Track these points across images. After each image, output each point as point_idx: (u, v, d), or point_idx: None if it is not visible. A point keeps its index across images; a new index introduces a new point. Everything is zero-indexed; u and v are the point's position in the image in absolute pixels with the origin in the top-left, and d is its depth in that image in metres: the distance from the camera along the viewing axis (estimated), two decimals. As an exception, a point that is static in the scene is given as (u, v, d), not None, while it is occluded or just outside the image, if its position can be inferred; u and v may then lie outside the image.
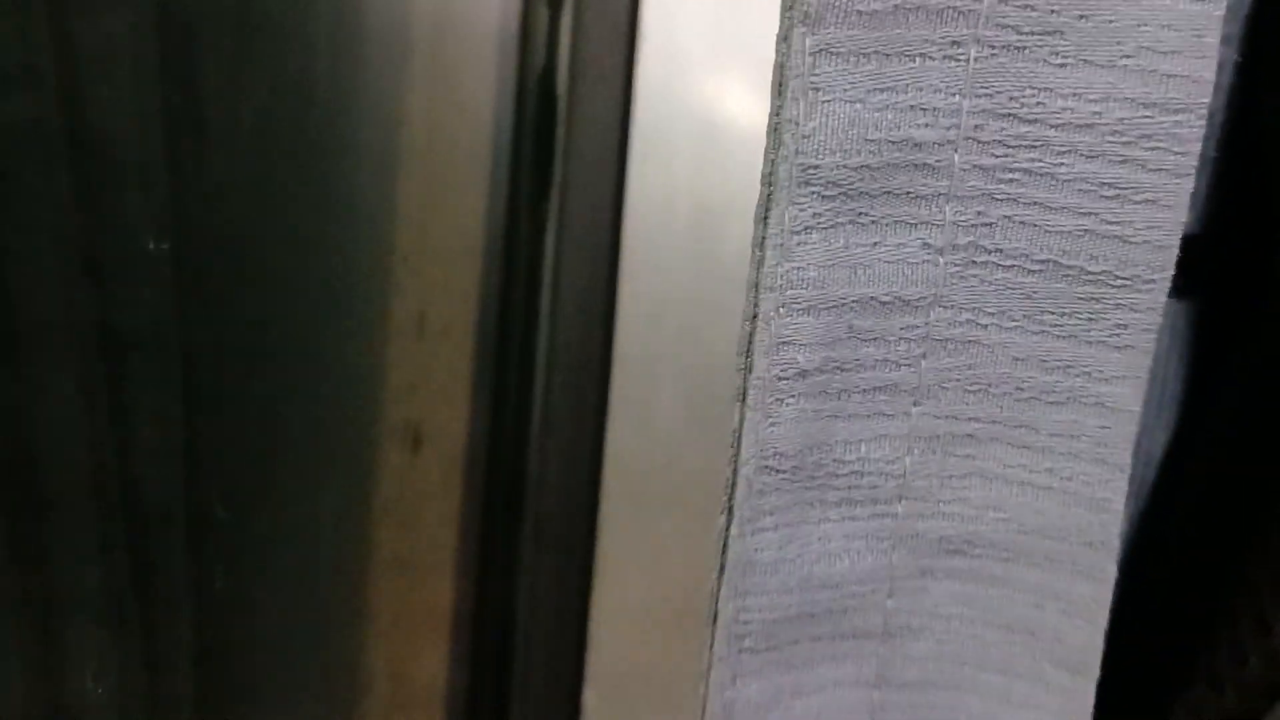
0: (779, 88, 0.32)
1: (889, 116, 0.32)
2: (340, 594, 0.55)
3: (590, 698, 0.59)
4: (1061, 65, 0.33)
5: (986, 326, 0.35)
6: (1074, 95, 0.33)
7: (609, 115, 0.55)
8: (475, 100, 0.54)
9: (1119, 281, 0.35)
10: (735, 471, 0.34)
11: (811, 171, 0.32)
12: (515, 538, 0.57)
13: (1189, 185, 0.35)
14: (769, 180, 0.33)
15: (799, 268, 0.33)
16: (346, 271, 0.52)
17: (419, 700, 0.59)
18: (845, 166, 0.33)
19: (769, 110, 0.35)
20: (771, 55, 0.33)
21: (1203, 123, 0.34)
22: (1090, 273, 0.35)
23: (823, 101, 0.31)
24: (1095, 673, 0.39)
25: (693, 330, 0.57)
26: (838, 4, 0.31)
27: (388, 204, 0.53)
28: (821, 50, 0.31)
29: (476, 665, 0.59)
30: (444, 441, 0.56)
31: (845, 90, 0.31)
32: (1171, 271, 0.35)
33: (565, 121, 0.55)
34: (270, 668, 0.54)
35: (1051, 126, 0.34)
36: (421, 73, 0.53)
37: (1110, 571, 0.38)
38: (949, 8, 0.32)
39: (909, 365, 0.35)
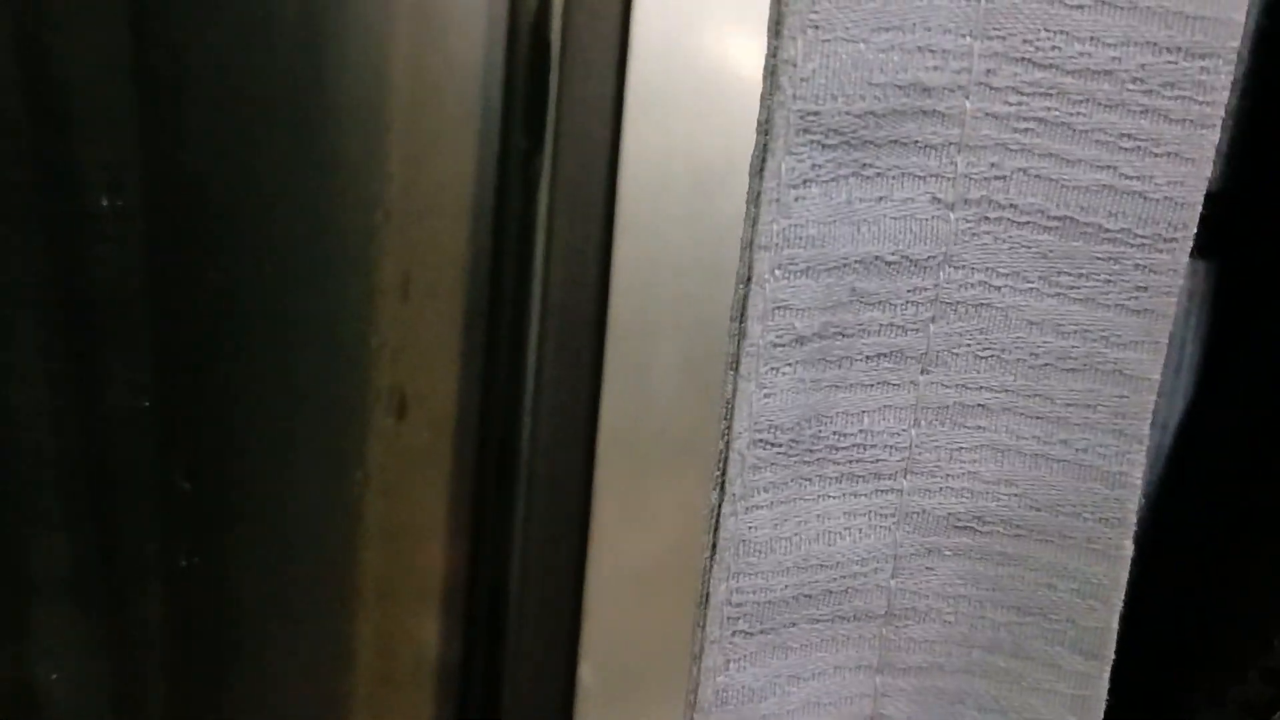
0: (775, 26, 0.29)
1: (895, 58, 0.30)
2: (324, 565, 0.54)
3: (585, 671, 0.57)
4: (1079, 6, 0.31)
5: (999, 288, 0.33)
6: (1091, 39, 0.31)
7: (604, 63, 0.52)
8: (463, 47, 0.52)
9: (1138, 240, 0.33)
10: (728, 445, 0.31)
11: (811, 118, 0.30)
12: (507, 506, 0.55)
13: (1214, 137, 0.32)
14: (765, 129, 0.31)
15: (797, 225, 0.30)
16: (326, 230, 0.50)
17: (408, 673, 0.57)
18: (847, 113, 0.30)
19: (765, 52, 0.32)
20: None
21: (1230, 69, 0.32)
22: (1109, 230, 0.33)
23: (823, 40, 0.29)
24: (1110, 656, 0.37)
25: (691, 293, 0.55)
26: (839, -64, 0.29)
27: (370, 158, 0.51)
28: (822, -15, 0.29)
29: (468, 638, 0.57)
30: (431, 407, 0.54)
31: (847, 29, 0.29)
32: (1194, 230, 0.33)
33: (558, 70, 0.52)
34: (252, 643, 0.53)
35: (1068, 72, 0.31)
36: (406, 17, 0.50)
37: (1126, 549, 0.36)
38: (960, -59, 0.30)
39: (916, 330, 0.33)
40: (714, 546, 0.32)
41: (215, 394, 0.48)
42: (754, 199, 0.31)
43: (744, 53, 0.53)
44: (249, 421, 0.50)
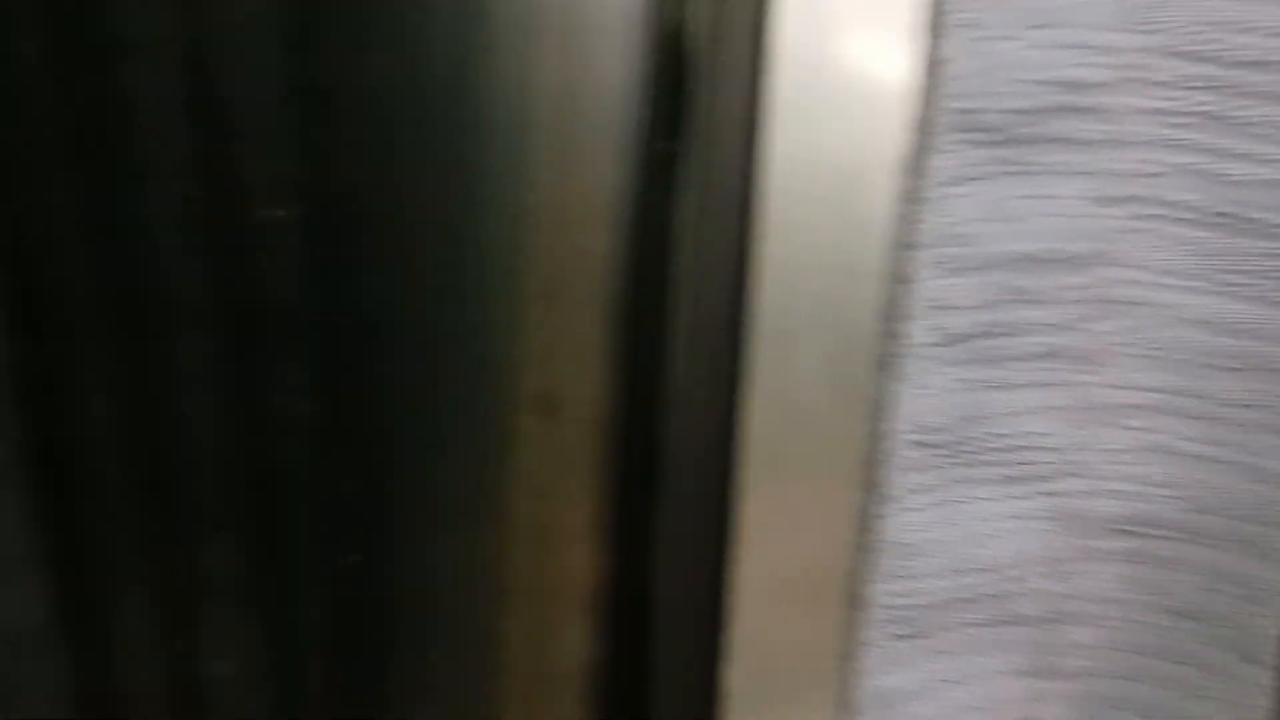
0: (932, 25, 0.29)
1: (1048, 55, 0.30)
2: (474, 564, 0.54)
3: (730, 674, 0.57)
4: (1238, -3, 0.30)
5: (1157, 286, 0.32)
6: (1251, 30, 0.30)
7: (745, 69, 0.52)
8: (606, 55, 0.52)
9: (1304, 236, 0.32)
10: (881, 446, 0.31)
11: (966, 116, 0.30)
12: (651, 508, 0.55)
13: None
14: (919, 127, 0.30)
15: (952, 223, 0.30)
16: (475, 237, 0.51)
17: (555, 672, 0.58)
18: (1002, 110, 0.30)
19: (920, 51, 0.32)
20: (917, 2, 0.31)
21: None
22: (1274, 226, 0.32)
23: (978, 38, 0.29)
24: (1273, 661, 0.36)
25: (834, 294, 0.54)
26: (994, -66, 0.29)
27: (519, 166, 0.51)
28: (977, -16, 0.29)
29: (613, 638, 0.57)
30: (578, 409, 0.54)
31: (1002, 26, 0.29)
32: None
33: (699, 77, 0.53)
34: (405, 640, 0.54)
35: (1227, 65, 0.31)
36: (551, 28, 0.51)
37: (1294, 552, 0.35)
38: (1117, -66, 0.29)
39: (1072, 329, 0.32)
40: (867, 549, 0.32)
41: (374, 397, 0.50)
42: (908, 198, 0.31)
43: (884, 54, 0.53)
44: (405, 424, 0.51)
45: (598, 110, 0.53)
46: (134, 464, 0.46)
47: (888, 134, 0.54)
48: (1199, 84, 0.31)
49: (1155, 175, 0.32)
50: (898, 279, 0.31)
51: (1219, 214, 0.32)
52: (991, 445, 0.32)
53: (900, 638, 0.33)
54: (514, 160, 0.51)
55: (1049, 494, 0.33)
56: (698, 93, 0.53)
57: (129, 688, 0.49)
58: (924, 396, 0.30)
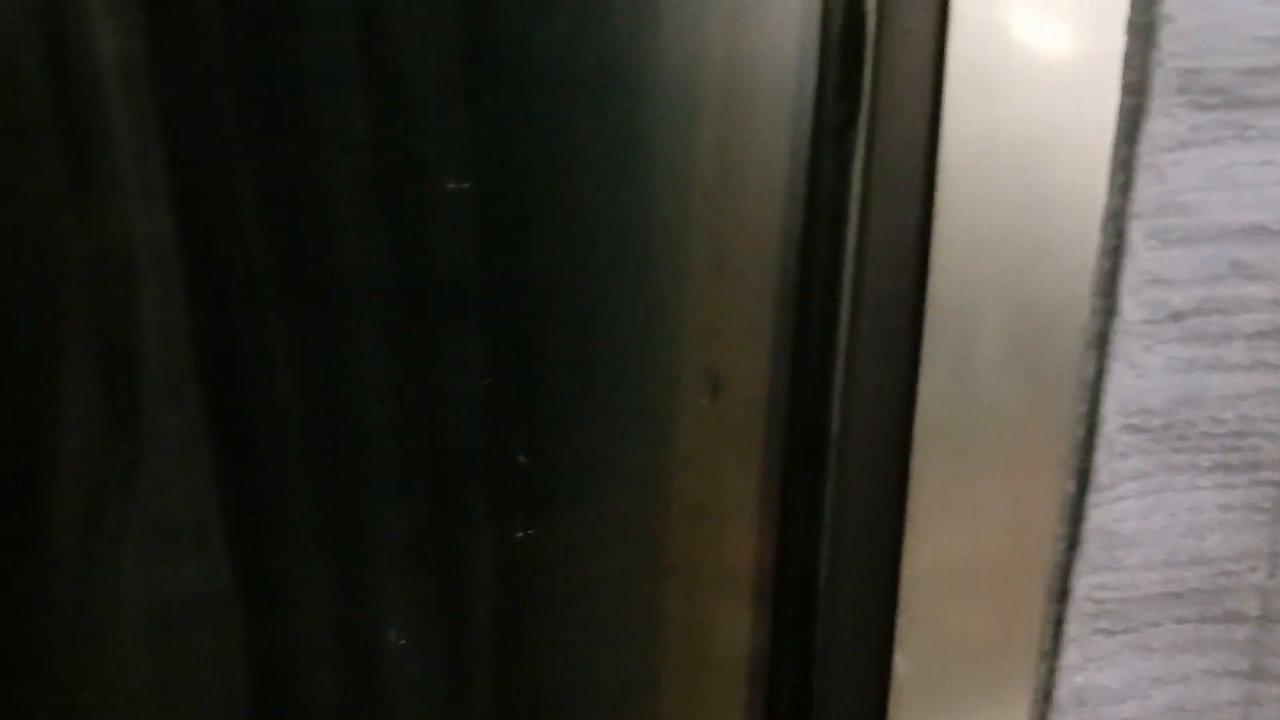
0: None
1: (1284, 9, 0.27)
2: (641, 543, 0.54)
3: (901, 664, 0.56)
4: None
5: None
6: None
7: (924, 34, 0.50)
8: (777, 22, 0.51)
9: None
10: (1091, 430, 0.29)
11: (1191, 76, 0.27)
12: (819, 491, 0.54)
13: None
14: (1137, 89, 0.28)
15: (1173, 191, 0.28)
16: (644, 209, 0.50)
17: (718, 655, 0.57)
18: (1230, 70, 0.28)
19: (1130, 8, 0.30)
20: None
21: None
22: None
23: (1208, -7, 0.27)
24: None
25: (1016, 271, 0.52)
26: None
27: (685, 137, 0.50)
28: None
29: (778, 623, 0.56)
30: (744, 388, 0.53)
31: (1236, -22, 0.27)
32: None
33: (874, 42, 0.51)
34: (568, 617, 0.53)
35: None
36: (722, -4, 0.49)
37: None
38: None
39: (1300, 306, 0.30)
40: (1074, 539, 0.30)
41: (546, 372, 0.49)
42: (1122, 165, 0.29)
43: (1070, 21, 0.50)
44: (576, 399, 0.50)
45: (769, 79, 0.52)
46: (310, 435, 0.46)
47: (1080, 99, 0.51)
48: None
49: (1393, 139, 0.29)
50: (1106, 252, 0.29)
51: None
52: (1209, 430, 0.30)
53: (1105, 633, 0.31)
54: (683, 131, 0.50)
55: (1269, 483, 0.31)
56: (873, 59, 0.51)
57: (302, 655, 0.50)
58: (1137, 377, 0.28)
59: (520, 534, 0.49)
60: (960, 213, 0.51)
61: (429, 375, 0.47)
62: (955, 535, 0.54)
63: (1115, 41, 0.33)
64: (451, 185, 0.44)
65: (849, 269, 0.52)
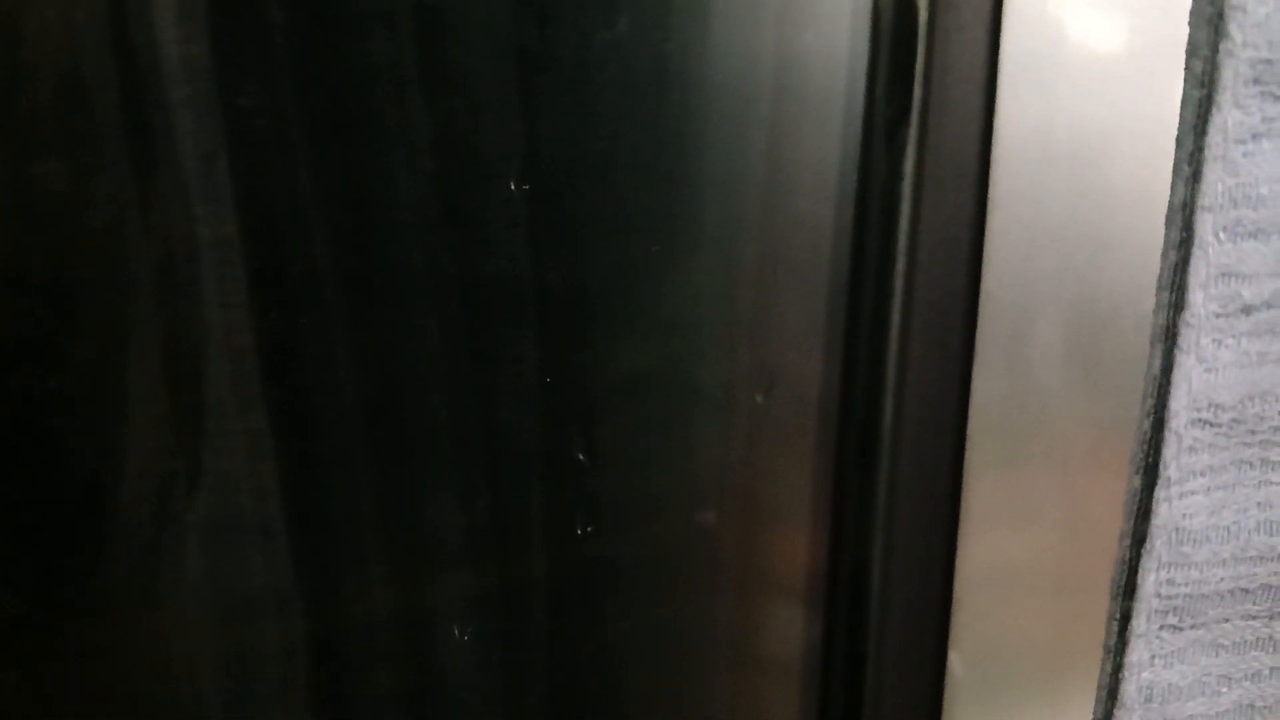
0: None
1: (1361, -4, 0.27)
2: (691, 541, 0.54)
3: (956, 662, 0.55)
4: None
5: None
6: None
7: (977, 27, 0.50)
8: (828, 16, 0.50)
9: None
10: (1159, 425, 0.29)
11: (1262, 67, 0.27)
12: (872, 489, 0.54)
13: None
14: (1205, 80, 0.28)
15: (1245, 184, 0.28)
16: (696, 208, 0.50)
17: (771, 654, 0.57)
18: (1302, 61, 0.27)
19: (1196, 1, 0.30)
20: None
21: None
22: None
23: (1284, -19, 0.26)
24: None
25: (1072, 266, 0.52)
26: None
27: (737, 135, 0.50)
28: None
29: (831, 621, 0.56)
30: (797, 386, 0.53)
31: (1311, -34, 0.26)
32: None
33: (926, 36, 0.50)
34: (623, 616, 0.53)
35: None
36: (773, -10, 0.49)
37: None
38: None
39: (1373, 299, 0.29)
40: (1142, 535, 0.29)
41: (600, 371, 0.49)
42: (1190, 157, 0.28)
43: (1125, 12, 0.50)
44: (630, 398, 0.50)
45: (820, 75, 0.51)
46: (374, 433, 0.46)
47: (1138, 92, 0.51)
48: None
49: None
50: (1173, 245, 0.28)
51: None
52: (1280, 425, 0.29)
53: (1173, 629, 0.30)
54: (734, 129, 0.50)
55: (1342, 479, 0.30)
56: (925, 54, 0.51)
57: (362, 652, 0.50)
58: (1206, 371, 0.28)
59: (577, 533, 0.49)
60: (1014, 208, 0.51)
61: (488, 374, 0.47)
62: (1010, 533, 0.54)
63: (1173, 32, 0.32)
64: (511, 186, 0.44)
65: (902, 265, 0.52)
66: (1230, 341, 0.28)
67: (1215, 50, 0.28)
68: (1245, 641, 0.31)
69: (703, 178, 0.50)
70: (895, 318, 0.52)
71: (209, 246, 0.41)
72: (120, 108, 0.40)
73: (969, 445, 0.53)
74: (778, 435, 0.54)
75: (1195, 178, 0.28)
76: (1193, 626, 0.30)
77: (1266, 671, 0.32)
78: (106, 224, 0.41)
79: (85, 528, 0.43)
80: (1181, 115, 0.29)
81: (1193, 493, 0.29)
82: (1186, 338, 0.28)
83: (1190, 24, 0.29)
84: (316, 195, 0.43)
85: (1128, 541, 0.30)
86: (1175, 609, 0.30)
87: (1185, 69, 0.29)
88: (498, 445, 0.48)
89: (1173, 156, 0.34)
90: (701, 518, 0.53)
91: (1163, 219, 0.32)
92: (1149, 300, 0.39)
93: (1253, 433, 0.29)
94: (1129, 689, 0.30)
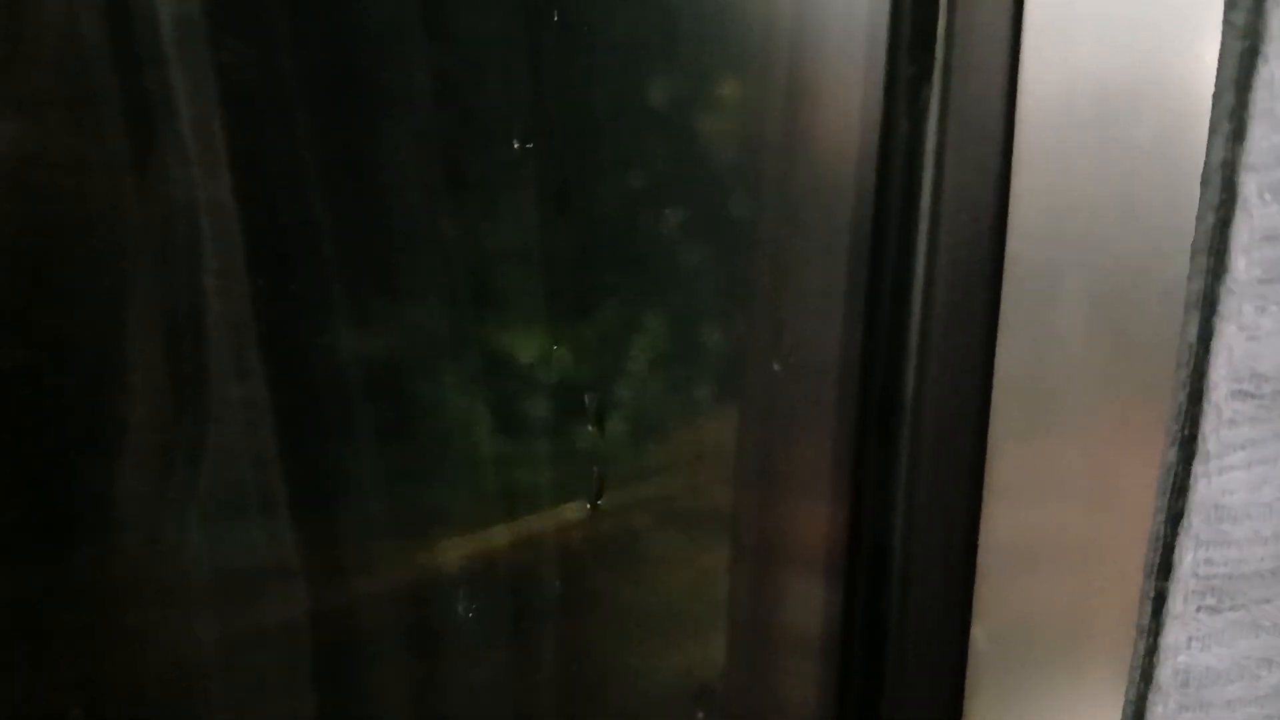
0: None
1: None
2: (711, 512, 0.52)
3: (979, 636, 0.54)
4: None
5: None
6: None
7: (1002, -17, 0.48)
8: (849, -28, 0.49)
9: None
10: (1197, 396, 0.27)
11: (1309, 19, 0.25)
12: (893, 460, 0.52)
13: None
14: (1250, 31, 0.26)
15: (1290, 141, 0.26)
16: (714, 169, 0.49)
17: (791, 627, 0.56)
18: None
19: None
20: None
21: None
22: None
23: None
24: None
25: (1099, 230, 0.50)
26: None
27: (754, 93, 0.49)
28: None
29: (852, 594, 0.55)
30: (816, 352, 0.52)
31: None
32: None
33: (950, -6, 0.49)
34: (640, 587, 0.52)
35: None
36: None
37: None
38: None
39: None
40: (1177, 511, 0.28)
41: (615, 339, 0.48)
42: (1231, 113, 0.27)
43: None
44: (646, 366, 0.49)
45: (840, 32, 0.50)
46: (373, 404, 0.45)
47: (1168, 48, 0.49)
48: None
49: None
50: (1212, 207, 0.27)
51: None
52: (1325, 396, 0.28)
53: (1211, 610, 0.29)
54: (751, 88, 0.49)
55: (1389, 452, 0.29)
56: (947, 9, 0.49)
57: (366, 626, 0.49)
58: (1248, 340, 0.26)
59: (592, 504, 0.48)
60: (1039, 170, 0.49)
61: (496, 342, 0.46)
62: (1035, 505, 0.53)
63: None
64: (516, 145, 0.43)
65: (924, 229, 0.50)
66: (1274, 309, 0.27)
67: (1255, 5, 0.26)
68: (1286, 622, 0.30)
69: (720, 139, 0.48)
70: (917, 283, 0.51)
71: (206, 212, 0.40)
72: (114, 69, 0.39)
73: (992, 414, 0.52)
74: (796, 403, 0.52)
75: (1237, 135, 0.26)
76: (1232, 608, 0.29)
77: (1308, 653, 0.30)
78: (101, 188, 0.39)
79: (85, 499, 0.43)
80: (1220, 69, 0.28)
81: (1233, 468, 0.28)
82: (1227, 304, 0.26)
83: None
84: (320, 156, 0.42)
85: (1162, 518, 0.29)
86: (1214, 589, 0.29)
87: (1225, 21, 0.28)
88: (507, 416, 0.47)
89: (1206, 115, 0.33)
90: (719, 488, 0.52)
91: (1194, 180, 0.30)
92: (1178, 265, 0.38)
93: (1296, 405, 0.28)
94: (1164, 672, 0.29)
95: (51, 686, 0.44)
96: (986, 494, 0.52)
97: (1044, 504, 0.53)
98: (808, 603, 0.55)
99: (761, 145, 0.49)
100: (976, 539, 0.53)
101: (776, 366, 0.51)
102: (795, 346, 0.51)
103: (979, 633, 0.54)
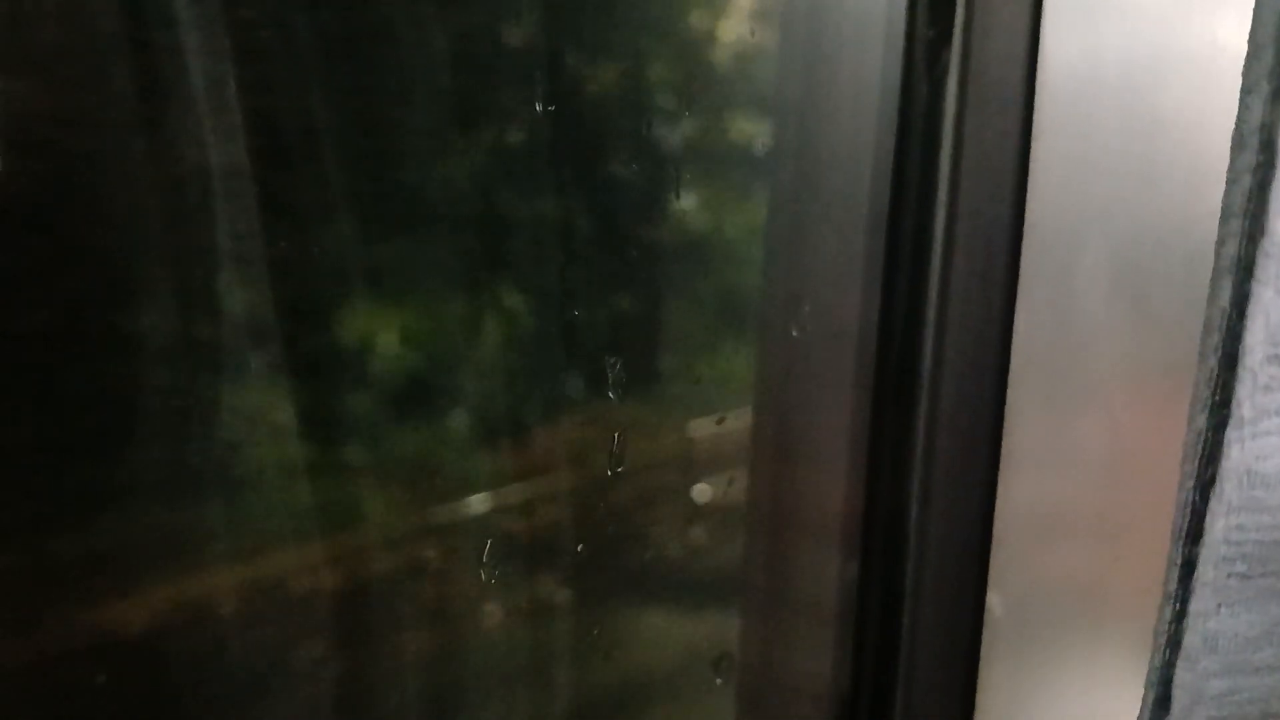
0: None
1: None
2: (727, 478, 0.52)
3: (994, 602, 0.54)
4: None
5: None
6: None
7: (1024, -53, 0.48)
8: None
9: None
10: (1230, 361, 0.27)
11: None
12: (911, 426, 0.52)
13: None
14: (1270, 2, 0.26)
15: (1330, 104, 0.26)
16: (731, 134, 0.48)
17: (807, 593, 0.56)
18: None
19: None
20: None
21: None
22: None
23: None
24: None
25: (1120, 197, 0.50)
26: None
27: (771, 58, 0.48)
28: None
29: (868, 560, 0.55)
30: (834, 318, 0.51)
31: None
32: None
33: (971, -43, 0.48)
34: (654, 549, 0.52)
35: None
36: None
37: None
38: None
39: None
40: (1207, 477, 0.28)
41: (631, 305, 0.47)
42: (1271, 72, 0.26)
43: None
44: (663, 333, 0.49)
45: (859, -4, 0.49)
46: (387, 371, 0.45)
47: (1190, 15, 0.48)
48: None
49: None
50: (1248, 169, 0.27)
51: None
52: (1360, 362, 0.28)
53: (1241, 577, 0.29)
54: (770, 51, 0.48)
55: None
56: (969, -25, 0.49)
57: (386, 596, 0.49)
58: (1284, 305, 0.26)
59: (609, 471, 0.48)
60: (1060, 135, 0.49)
61: (513, 305, 0.45)
62: (1051, 473, 0.53)
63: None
64: (538, 107, 0.42)
65: (943, 195, 0.50)
66: (1310, 273, 0.27)
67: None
68: (1318, 590, 0.30)
69: (739, 103, 0.48)
70: (936, 249, 0.51)
71: (220, 173, 0.39)
72: (128, 25, 0.38)
73: (1010, 381, 0.52)
74: (814, 369, 0.52)
75: (1277, 95, 0.26)
76: (1263, 574, 0.29)
77: (1339, 621, 0.30)
78: (114, 146, 0.39)
79: (99, 468, 0.42)
80: (1256, 28, 0.27)
81: (1267, 433, 0.27)
82: (1264, 268, 0.26)
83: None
84: (333, 124, 0.41)
85: (1191, 484, 0.29)
86: (1244, 555, 0.29)
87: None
88: (524, 380, 0.46)
89: (1231, 81, 0.32)
90: (737, 454, 0.52)
91: (1218, 147, 0.30)
92: (1200, 231, 0.37)
93: (1331, 370, 0.28)
94: (1193, 638, 0.29)
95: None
96: (1003, 462, 0.52)
97: (1060, 472, 0.53)
98: (824, 569, 0.55)
99: (779, 109, 0.49)
100: (993, 507, 0.53)
101: (795, 333, 0.51)
102: (813, 313, 0.51)
103: (995, 599, 0.54)
